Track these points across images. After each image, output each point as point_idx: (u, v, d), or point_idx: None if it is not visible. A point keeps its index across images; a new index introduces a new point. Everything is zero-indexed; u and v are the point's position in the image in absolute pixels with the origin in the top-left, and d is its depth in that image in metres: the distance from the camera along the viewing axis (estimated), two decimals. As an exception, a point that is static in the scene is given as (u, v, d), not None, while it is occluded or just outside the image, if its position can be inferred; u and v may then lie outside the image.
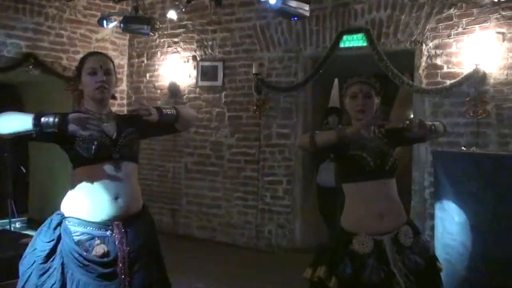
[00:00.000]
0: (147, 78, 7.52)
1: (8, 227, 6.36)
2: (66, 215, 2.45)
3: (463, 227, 4.05)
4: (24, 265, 2.49)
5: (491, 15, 4.98)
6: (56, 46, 7.03)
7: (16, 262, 5.02)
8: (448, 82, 5.19)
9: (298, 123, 6.28)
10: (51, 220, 2.48)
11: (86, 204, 2.43)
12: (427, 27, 5.34)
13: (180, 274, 4.20)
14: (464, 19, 5.13)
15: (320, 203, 6.21)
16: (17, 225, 6.39)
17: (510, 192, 3.97)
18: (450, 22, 5.21)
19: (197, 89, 6.96)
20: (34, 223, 6.58)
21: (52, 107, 7.53)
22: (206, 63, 6.86)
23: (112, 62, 2.65)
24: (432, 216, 4.83)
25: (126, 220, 2.46)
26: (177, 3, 6.62)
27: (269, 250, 6.30)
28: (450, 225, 4.15)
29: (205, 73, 6.85)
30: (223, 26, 6.79)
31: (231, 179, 6.66)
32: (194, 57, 7.02)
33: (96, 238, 2.39)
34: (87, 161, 2.42)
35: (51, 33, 6.98)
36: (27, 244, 5.37)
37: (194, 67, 7.00)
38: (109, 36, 7.50)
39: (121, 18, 6.46)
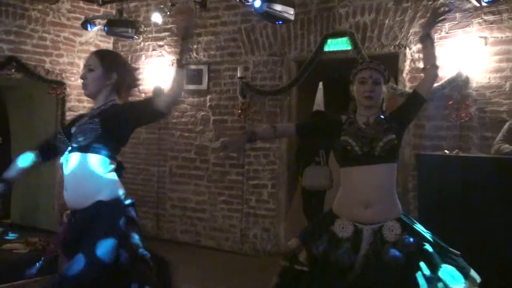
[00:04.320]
0: (132, 81, 7.46)
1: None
2: None
3: (446, 230, 4.07)
4: None
5: (473, 20, 5.03)
6: (39, 50, 6.97)
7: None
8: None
9: (283, 127, 6.27)
10: None
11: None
12: (411, 31, 5.38)
13: (163, 279, 4.16)
14: (447, 24, 5.17)
15: (305, 207, 6.22)
16: (-1, 230, 6.29)
17: (493, 194, 4.00)
18: (441, 25, 5.24)
19: (184, 93, 6.94)
20: (16, 228, 6.50)
21: (35, 110, 7.47)
22: (191, 67, 6.84)
23: (104, 56, 2.75)
24: (416, 219, 4.84)
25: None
26: (161, 6, 6.59)
27: (254, 254, 6.28)
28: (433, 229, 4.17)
29: (190, 77, 6.82)
30: (208, 30, 6.78)
31: (216, 183, 6.64)
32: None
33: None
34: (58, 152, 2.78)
35: (34, 36, 6.92)
36: (9, 250, 5.32)
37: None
38: (93, 39, 7.45)
39: (105, 21, 6.43)
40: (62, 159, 2.65)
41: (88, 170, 2.56)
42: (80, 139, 2.59)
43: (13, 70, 6.66)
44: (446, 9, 2.93)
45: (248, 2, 5.31)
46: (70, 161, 2.60)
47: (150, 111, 2.61)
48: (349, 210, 2.67)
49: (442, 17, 2.88)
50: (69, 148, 2.63)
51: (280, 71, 6.29)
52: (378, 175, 2.68)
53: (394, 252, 2.57)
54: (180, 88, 2.69)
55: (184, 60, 3.06)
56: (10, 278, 4.90)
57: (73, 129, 2.69)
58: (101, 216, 2.50)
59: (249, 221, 6.39)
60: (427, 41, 2.85)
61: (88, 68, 2.67)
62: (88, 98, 7.67)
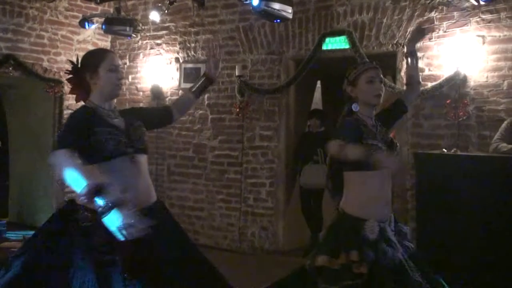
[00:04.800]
0: (129, 80, 7.46)
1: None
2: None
3: (445, 228, 4.09)
4: None
5: (471, 18, 5.04)
6: (37, 48, 6.95)
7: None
8: (429, 84, 5.23)
9: (281, 126, 6.28)
10: None
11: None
12: (409, 29, 5.38)
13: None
14: (444, 22, 5.18)
15: (303, 205, 6.23)
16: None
17: (491, 192, 4.01)
18: (431, 25, 5.25)
19: (180, 91, 6.92)
20: (14, 227, 6.49)
21: (33, 108, 7.45)
22: (189, 65, 6.84)
23: None
24: (413, 218, 4.86)
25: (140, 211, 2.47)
26: (159, 4, 6.58)
27: (252, 253, 6.28)
28: (431, 227, 4.19)
29: (188, 75, 6.82)
30: (206, 28, 6.77)
31: (214, 182, 6.64)
32: (176, 59, 6.98)
33: None
34: (106, 157, 2.47)
35: (32, 34, 6.90)
36: (7, 248, 5.32)
37: (177, 69, 6.97)
38: (91, 37, 7.43)
39: (103, 19, 6.41)
40: (124, 159, 2.51)
41: (147, 170, 2.69)
42: (137, 140, 2.61)
43: (10, 69, 6.64)
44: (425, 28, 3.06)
45: (246, 0, 5.31)
46: (140, 162, 2.59)
47: (165, 121, 2.93)
48: (374, 210, 2.68)
49: (423, 35, 2.98)
50: (131, 148, 2.55)
51: (278, 69, 6.28)
52: (391, 175, 2.78)
53: (404, 242, 2.74)
54: (188, 110, 3.02)
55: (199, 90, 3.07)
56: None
57: (102, 128, 2.50)
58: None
59: (247, 219, 6.39)
60: (412, 58, 2.97)
61: (121, 69, 2.68)
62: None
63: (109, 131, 2.49)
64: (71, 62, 2.70)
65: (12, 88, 7.48)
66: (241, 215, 6.42)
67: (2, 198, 7.69)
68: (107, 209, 2.16)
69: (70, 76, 2.68)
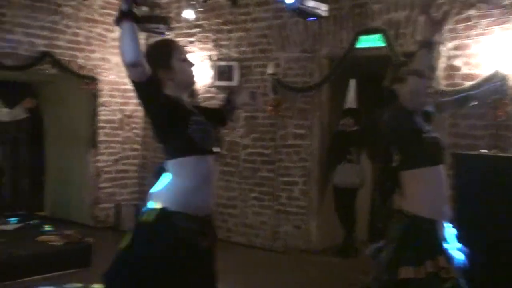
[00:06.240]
0: (163, 77, 7.50)
1: (24, 224, 6.38)
2: (171, 208, 2.31)
3: (485, 229, 4.03)
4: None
5: (511, 16, 4.93)
6: (72, 45, 7.06)
7: (34, 260, 5.09)
8: (467, 83, 5.15)
9: (314, 124, 6.26)
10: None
11: (196, 198, 2.35)
12: (446, 27, 5.29)
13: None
14: (483, 20, 5.08)
15: (336, 204, 6.20)
16: (33, 222, 6.40)
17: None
18: (469, 23, 5.16)
19: (213, 88, 6.95)
20: (49, 221, 6.61)
21: (68, 105, 7.58)
22: (222, 63, 6.86)
23: None
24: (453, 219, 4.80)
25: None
26: (193, 2, 6.61)
27: (285, 251, 6.28)
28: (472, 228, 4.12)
29: (220, 73, 6.84)
30: (239, 26, 6.78)
31: (247, 179, 6.65)
32: (210, 57, 7.01)
33: None
34: (197, 151, 2.34)
35: (68, 32, 7.01)
36: (45, 242, 5.41)
37: (210, 67, 6.99)
38: (125, 35, 7.49)
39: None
40: (209, 156, 2.40)
41: None
42: (217, 138, 2.49)
43: (47, 66, 6.76)
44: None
45: (280, -2, 5.31)
46: (214, 163, 2.44)
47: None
48: (440, 209, 2.67)
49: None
50: (215, 146, 2.44)
51: (311, 68, 6.26)
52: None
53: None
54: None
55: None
56: (47, 269, 5.01)
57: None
58: None
59: (280, 218, 6.38)
60: (429, 49, 2.72)
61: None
62: (120, 94, 7.75)
63: (199, 126, 2.35)
64: None
65: (48, 85, 7.60)
66: (274, 214, 6.42)
67: (38, 193, 7.83)
68: None
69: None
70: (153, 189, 2.38)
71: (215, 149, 2.42)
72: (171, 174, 2.35)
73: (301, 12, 5.16)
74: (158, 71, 2.37)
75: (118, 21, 2.18)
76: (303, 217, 6.25)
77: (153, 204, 2.33)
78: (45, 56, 6.67)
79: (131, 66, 2.18)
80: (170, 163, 2.36)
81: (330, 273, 5.59)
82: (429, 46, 2.67)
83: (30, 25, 6.63)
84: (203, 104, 2.83)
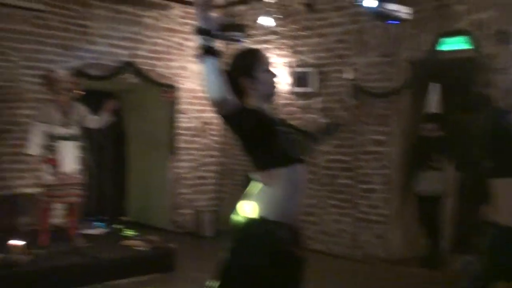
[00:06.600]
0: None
1: (109, 228, 6.61)
2: (268, 218, 2.33)
3: None
4: None
5: None
6: (152, 54, 7.26)
7: (120, 263, 5.25)
8: None
9: (395, 130, 6.10)
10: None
11: (289, 207, 2.35)
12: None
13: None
14: None
15: (419, 213, 6.00)
16: (117, 227, 6.61)
17: None
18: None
19: (291, 95, 6.93)
20: (131, 225, 6.80)
21: (148, 112, 7.79)
22: (299, 69, 6.82)
23: None
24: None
25: None
26: (269, 9, 6.63)
27: (365, 260, 6.15)
28: None
29: (298, 79, 6.81)
30: (315, 32, 6.73)
31: (325, 187, 6.57)
32: (287, 63, 7.00)
33: None
34: (287, 161, 2.34)
35: (148, 42, 7.23)
36: (130, 246, 5.57)
37: (287, 74, 6.98)
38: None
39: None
40: (296, 166, 2.39)
41: None
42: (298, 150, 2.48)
43: (129, 75, 6.98)
44: None
45: (358, 2, 5.22)
46: (303, 171, 2.44)
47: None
48: None
49: None
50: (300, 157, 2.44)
51: (391, 72, 6.11)
52: None
53: None
54: None
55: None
56: (132, 273, 5.16)
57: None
58: None
59: (360, 226, 6.26)
60: None
61: None
62: (198, 101, 7.87)
63: (286, 136, 2.38)
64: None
65: (129, 93, 7.86)
66: (353, 221, 6.31)
67: (122, 198, 8.09)
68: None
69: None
70: (245, 198, 2.40)
71: (303, 157, 2.42)
72: (262, 184, 2.36)
73: (381, 16, 5.07)
74: (241, 80, 2.41)
75: (200, 57, 2.18)
76: (384, 226, 6.09)
77: (248, 213, 2.35)
78: (127, 66, 6.90)
79: (217, 103, 2.21)
80: (260, 174, 2.38)
81: (413, 284, 5.42)
82: None
83: (112, 36, 6.89)
84: (286, 118, 2.76)
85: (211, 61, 2.16)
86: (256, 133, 2.31)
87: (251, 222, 2.32)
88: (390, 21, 5.26)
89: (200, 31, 2.18)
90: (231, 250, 2.31)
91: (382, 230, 6.11)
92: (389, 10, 5.00)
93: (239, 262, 2.29)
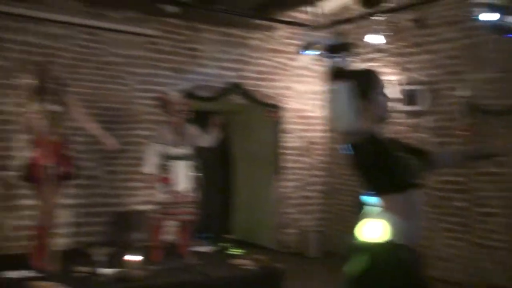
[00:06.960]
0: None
1: (218, 246, 6.69)
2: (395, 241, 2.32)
3: None
4: None
5: None
6: (258, 75, 7.39)
7: (229, 281, 5.28)
8: None
9: (515, 150, 5.71)
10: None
11: (411, 232, 2.33)
12: None
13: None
14: None
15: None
16: (223, 244, 6.68)
17: None
18: None
19: (400, 114, 6.72)
20: (240, 244, 6.84)
21: (253, 132, 7.90)
22: (409, 87, 6.62)
23: None
24: None
25: None
26: (378, 27, 6.51)
27: (483, 288, 5.78)
28: None
29: (408, 97, 6.60)
30: (424, 48, 6.51)
31: (437, 209, 6.26)
32: (395, 81, 6.81)
33: None
34: (405, 187, 2.34)
35: (253, 63, 7.37)
36: (238, 265, 5.60)
37: (396, 92, 6.79)
38: (307, 63, 7.64)
39: (321, 45, 6.53)
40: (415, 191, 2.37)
41: None
42: (416, 175, 2.46)
43: (236, 96, 7.13)
44: None
45: (474, 16, 4.99)
46: (421, 194, 2.42)
47: None
48: None
49: None
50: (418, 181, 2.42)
51: (509, 89, 5.75)
52: None
53: None
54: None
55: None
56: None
57: None
58: None
59: (478, 251, 5.89)
60: None
61: None
62: (302, 121, 7.89)
63: (404, 157, 2.37)
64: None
65: (235, 114, 8.02)
66: (469, 247, 5.95)
67: (228, 217, 8.21)
68: None
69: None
70: (362, 221, 2.38)
71: (420, 182, 2.38)
72: (381, 208, 2.35)
73: (500, 29, 4.81)
74: (355, 101, 2.34)
75: (331, 80, 2.17)
76: (506, 253, 5.67)
77: (374, 237, 2.31)
78: (234, 87, 7.08)
79: (347, 133, 2.19)
80: (377, 198, 2.36)
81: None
82: None
83: (221, 58, 7.10)
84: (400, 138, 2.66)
85: (345, 85, 2.12)
86: (378, 161, 2.28)
87: (379, 247, 2.27)
88: (509, 35, 4.99)
89: (332, 51, 2.16)
90: (356, 276, 2.28)
91: (503, 257, 5.69)
92: (508, 23, 4.74)
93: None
